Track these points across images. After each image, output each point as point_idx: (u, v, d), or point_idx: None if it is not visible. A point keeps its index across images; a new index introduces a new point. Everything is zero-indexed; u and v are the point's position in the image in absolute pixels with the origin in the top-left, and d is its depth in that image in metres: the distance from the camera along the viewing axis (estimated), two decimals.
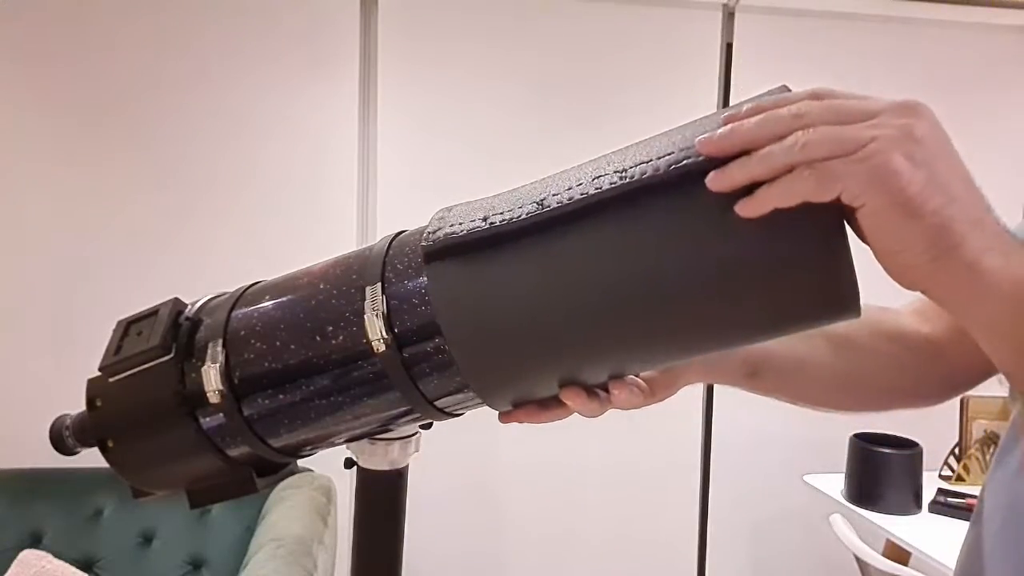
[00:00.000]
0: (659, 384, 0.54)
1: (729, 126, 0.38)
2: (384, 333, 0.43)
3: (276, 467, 0.53)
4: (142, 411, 0.48)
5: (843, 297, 0.37)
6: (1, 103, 2.00)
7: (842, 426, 1.93)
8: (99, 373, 0.49)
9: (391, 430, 0.52)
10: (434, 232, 0.43)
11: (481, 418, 0.58)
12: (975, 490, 0.63)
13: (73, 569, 1.47)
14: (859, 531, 1.76)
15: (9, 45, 2.00)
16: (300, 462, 0.55)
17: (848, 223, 0.37)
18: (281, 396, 0.46)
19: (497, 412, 0.49)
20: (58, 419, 0.52)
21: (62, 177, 2.03)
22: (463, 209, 0.44)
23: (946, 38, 2.28)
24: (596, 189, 0.39)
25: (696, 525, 2.33)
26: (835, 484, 1.97)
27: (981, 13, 2.25)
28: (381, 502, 0.57)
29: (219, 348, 0.47)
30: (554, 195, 0.40)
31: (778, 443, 2.28)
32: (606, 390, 0.49)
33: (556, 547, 2.26)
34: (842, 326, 0.58)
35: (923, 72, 2.26)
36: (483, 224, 0.41)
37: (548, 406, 0.48)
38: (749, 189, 0.36)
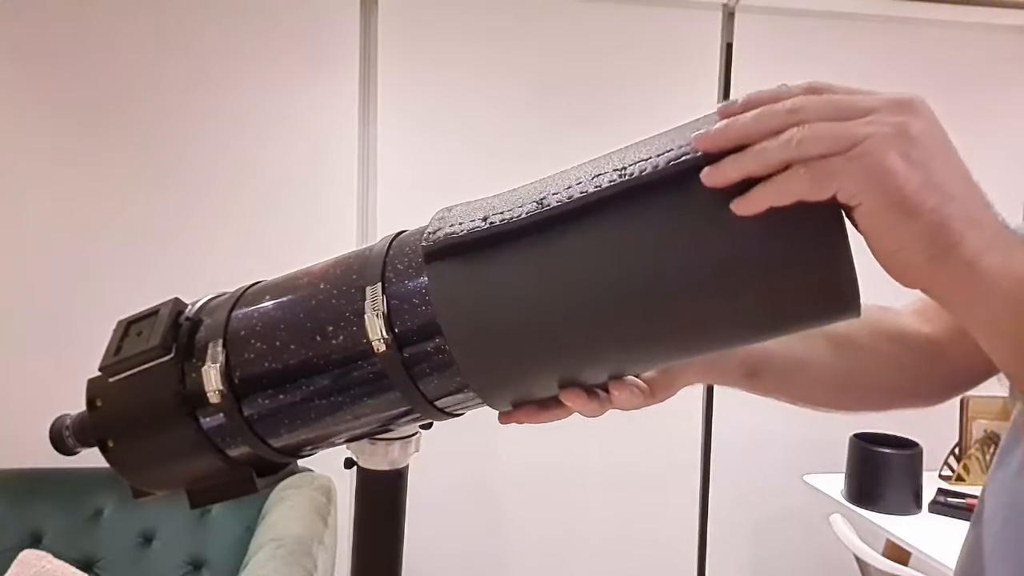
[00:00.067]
0: (658, 385, 0.54)
1: (724, 122, 0.37)
2: (384, 333, 0.43)
3: (276, 467, 0.53)
4: (142, 411, 0.48)
5: (843, 296, 0.37)
6: (1, 103, 2.00)
7: (842, 426, 1.93)
8: (99, 373, 0.49)
9: (391, 430, 0.52)
10: (434, 232, 0.43)
11: (481, 418, 0.58)
12: (975, 490, 0.63)
13: (73, 569, 1.47)
14: (859, 531, 1.76)
15: (9, 45, 1.99)
16: (300, 462, 0.55)
17: (848, 219, 0.37)
18: (281, 396, 0.46)
19: (497, 412, 0.49)
20: (58, 419, 0.52)
21: (62, 177, 2.03)
22: (463, 209, 0.44)
23: (946, 38, 2.28)
24: (596, 187, 0.39)
25: (696, 525, 2.33)
26: (835, 484, 1.97)
27: (981, 13, 2.25)
28: (381, 502, 0.57)
29: (219, 348, 0.47)
30: (554, 194, 0.40)
31: (778, 443, 2.28)
32: (606, 390, 0.49)
33: (556, 547, 2.26)
34: (842, 326, 0.58)
35: (923, 72, 2.26)
36: (483, 224, 0.41)
37: (548, 406, 0.48)
38: (745, 186, 0.36)
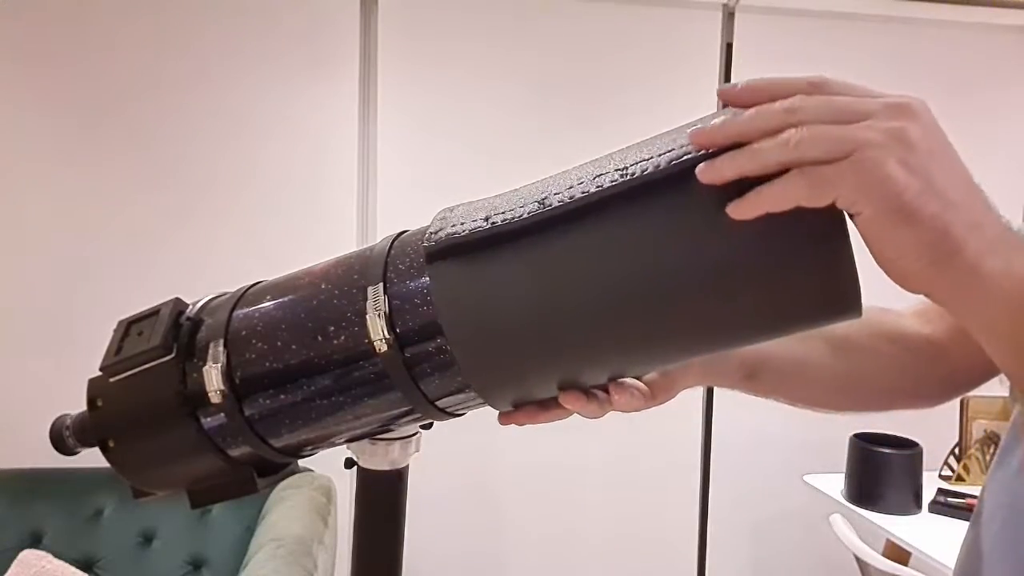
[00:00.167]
0: (659, 387, 0.54)
1: (721, 119, 0.37)
2: (386, 333, 0.43)
3: (277, 467, 0.53)
4: (143, 411, 0.48)
5: (845, 297, 0.37)
6: (1, 103, 2.00)
7: (842, 426, 1.93)
8: (100, 373, 0.49)
9: (392, 430, 0.52)
10: (436, 232, 0.43)
11: (481, 418, 0.58)
12: (975, 490, 0.63)
13: (73, 569, 1.47)
14: (859, 531, 1.76)
15: (9, 45, 1.99)
16: (300, 462, 0.55)
17: (850, 220, 0.37)
18: (282, 396, 0.46)
19: (497, 412, 0.49)
20: (58, 419, 0.52)
21: (62, 177, 2.03)
22: (465, 209, 0.44)
23: (946, 38, 2.28)
24: (597, 187, 0.39)
25: (696, 525, 2.33)
26: (835, 484, 1.97)
27: (981, 13, 2.25)
28: (381, 502, 0.57)
29: (220, 348, 0.47)
30: (555, 194, 0.40)
31: (778, 443, 2.28)
32: (606, 392, 0.49)
33: (556, 547, 2.26)
34: (842, 327, 0.58)
35: (923, 72, 2.26)
36: (485, 224, 0.41)
37: (548, 407, 0.48)
38: (744, 187, 0.36)
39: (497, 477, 2.23)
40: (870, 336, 0.63)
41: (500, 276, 0.41)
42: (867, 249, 0.37)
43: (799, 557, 2.36)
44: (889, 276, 0.38)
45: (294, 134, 2.09)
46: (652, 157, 0.39)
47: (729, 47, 2.23)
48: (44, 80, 2.01)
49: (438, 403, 0.46)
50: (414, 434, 0.55)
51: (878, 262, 0.37)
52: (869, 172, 0.34)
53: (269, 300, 0.48)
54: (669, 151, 0.38)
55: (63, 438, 0.52)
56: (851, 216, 0.36)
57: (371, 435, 0.52)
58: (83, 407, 0.50)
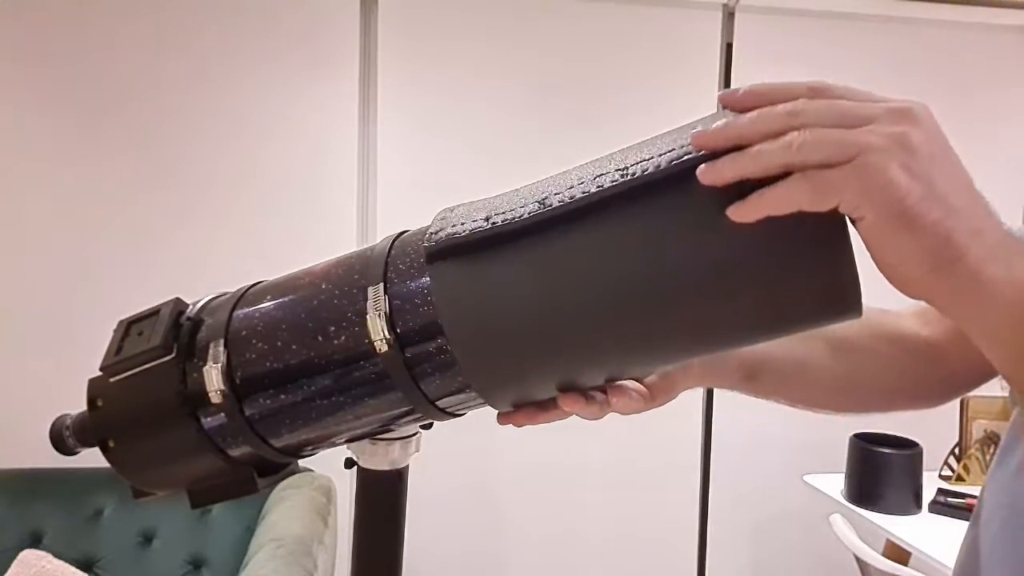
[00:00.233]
0: (659, 388, 0.54)
1: (723, 121, 0.37)
2: (386, 333, 0.43)
3: (277, 467, 0.53)
4: (143, 411, 0.48)
5: (845, 297, 0.37)
6: (1, 103, 2.00)
7: (842, 426, 1.93)
8: (100, 373, 0.49)
9: (392, 430, 0.52)
10: (436, 232, 0.43)
11: (481, 418, 0.58)
12: (975, 490, 0.63)
13: (73, 569, 1.47)
14: (859, 531, 1.76)
15: (9, 45, 1.99)
16: (300, 462, 0.55)
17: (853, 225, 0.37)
18: (283, 396, 0.46)
19: (497, 412, 0.49)
20: (58, 419, 0.52)
21: (62, 177, 2.03)
22: (465, 209, 0.44)
23: (946, 38, 2.28)
24: (598, 187, 0.39)
25: (696, 525, 2.33)
26: (835, 484, 1.97)
27: (981, 13, 2.25)
28: (381, 502, 0.57)
29: (221, 348, 0.47)
30: (556, 194, 0.40)
31: (778, 443, 2.28)
32: (606, 392, 0.49)
33: (556, 547, 2.26)
34: (841, 328, 0.58)
35: (923, 72, 2.26)
36: (485, 224, 0.41)
37: (547, 408, 0.48)
38: (745, 189, 0.36)
39: (497, 477, 2.23)
40: (870, 337, 0.63)
41: (501, 276, 0.41)
42: (867, 252, 0.37)
43: (799, 557, 2.36)
44: (890, 281, 0.38)
45: (294, 134, 2.09)
46: (652, 157, 0.39)
47: (729, 47, 2.23)
48: (44, 80, 2.01)
49: (438, 403, 0.46)
50: (414, 434, 0.55)
51: (879, 267, 0.37)
52: (872, 177, 0.34)
53: (269, 300, 0.48)
54: (669, 151, 0.38)
55: (63, 438, 0.52)
56: (853, 220, 0.36)
57: (371, 435, 0.52)
58: (83, 407, 0.50)
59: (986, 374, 0.60)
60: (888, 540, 1.83)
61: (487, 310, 0.41)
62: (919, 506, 1.84)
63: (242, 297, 0.50)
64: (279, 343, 0.46)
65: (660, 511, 2.30)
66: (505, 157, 2.12)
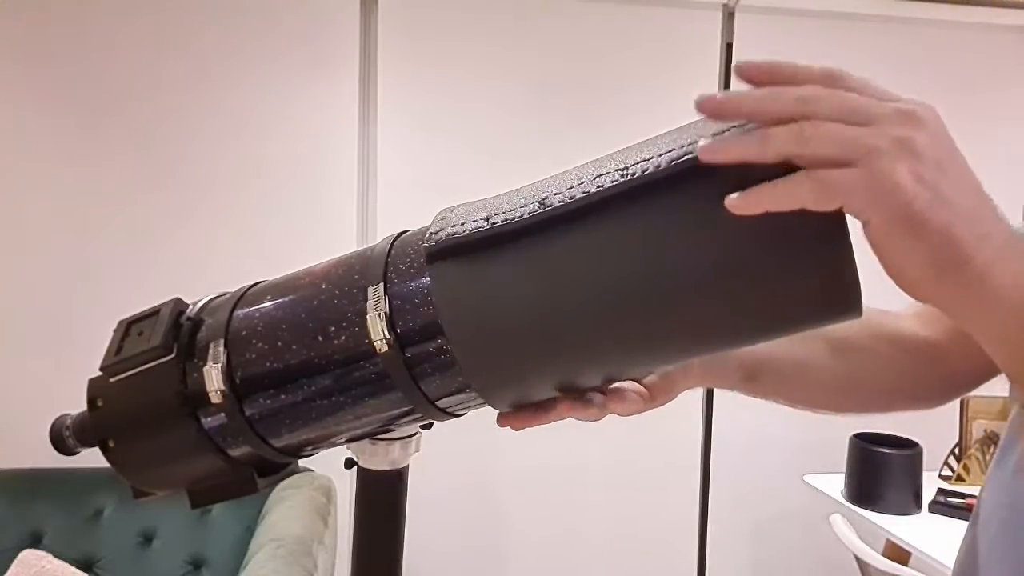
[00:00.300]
0: (658, 389, 0.54)
1: (731, 92, 0.37)
2: (387, 333, 0.43)
3: (277, 467, 0.53)
4: (143, 411, 0.48)
5: (845, 297, 0.37)
6: (1, 103, 2.00)
7: (842, 426, 1.93)
8: (100, 373, 0.49)
9: (392, 430, 0.52)
10: (436, 232, 0.43)
11: (482, 418, 0.58)
12: (975, 490, 0.63)
13: (73, 569, 1.47)
14: (859, 531, 1.76)
15: (9, 45, 1.99)
16: (300, 462, 0.55)
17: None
18: (283, 396, 0.46)
19: (497, 412, 0.49)
20: (58, 419, 0.52)
21: (62, 177, 2.03)
22: (465, 209, 0.44)
23: (946, 38, 2.28)
24: (598, 187, 0.39)
25: (696, 525, 2.33)
26: (835, 484, 1.97)
27: (981, 13, 2.25)
28: (381, 502, 0.57)
29: (221, 348, 0.47)
30: (556, 194, 0.40)
31: (778, 443, 2.28)
32: (605, 393, 0.49)
33: (556, 547, 2.26)
34: (841, 328, 0.58)
35: (923, 72, 2.26)
36: (485, 224, 0.41)
37: (545, 409, 0.48)
38: (743, 186, 0.36)
39: (497, 477, 2.23)
40: (869, 338, 0.63)
41: (501, 276, 0.41)
42: (867, 246, 0.37)
43: (799, 557, 2.36)
44: (897, 284, 0.38)
45: (294, 134, 2.09)
46: (653, 157, 0.38)
47: (729, 47, 2.23)
48: (44, 80, 2.01)
49: (438, 403, 0.46)
50: (414, 434, 0.55)
51: (886, 270, 0.37)
52: (879, 181, 0.34)
53: (269, 300, 0.48)
54: (670, 151, 0.38)
55: (63, 438, 0.52)
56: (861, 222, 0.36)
57: (371, 435, 0.52)
58: (83, 407, 0.50)
59: (986, 374, 0.60)
60: (888, 540, 1.83)
61: (487, 310, 0.41)
62: (919, 506, 1.84)
63: (242, 297, 0.50)
64: (279, 343, 0.46)
65: (660, 511, 2.30)
66: (505, 157, 2.12)
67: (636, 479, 2.27)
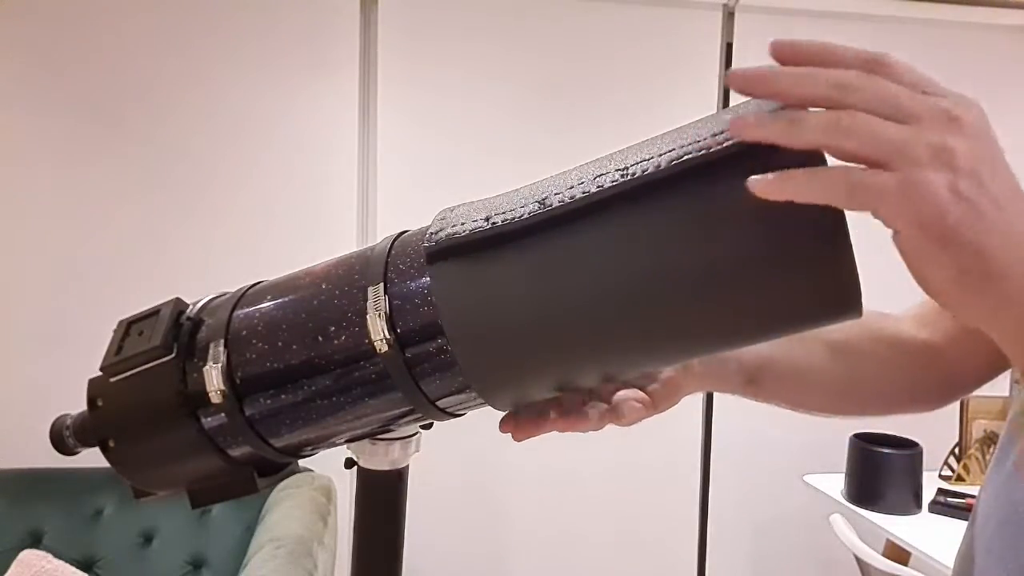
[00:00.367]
0: (660, 395, 0.55)
1: (763, 69, 0.35)
2: (387, 333, 0.43)
3: (277, 467, 0.53)
4: (143, 411, 0.48)
5: (845, 297, 0.37)
6: (1, 103, 2.00)
7: (842, 427, 1.93)
8: (100, 373, 0.49)
9: (392, 430, 0.52)
10: (436, 232, 0.43)
11: (482, 418, 0.58)
12: (975, 490, 0.64)
13: (73, 569, 1.47)
14: (859, 531, 1.76)
15: (9, 45, 1.99)
16: (300, 462, 0.55)
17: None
18: (283, 396, 0.46)
19: (498, 414, 0.49)
20: (58, 419, 0.52)
21: (61, 177, 2.03)
22: (465, 209, 0.44)
23: (946, 38, 2.28)
24: (598, 187, 0.39)
25: (696, 525, 2.33)
26: (835, 484, 1.97)
27: (981, 13, 2.25)
28: (381, 502, 0.57)
29: (221, 348, 0.47)
30: (556, 194, 0.40)
31: (778, 443, 2.28)
32: (605, 401, 0.49)
33: (556, 547, 2.26)
34: (841, 331, 0.58)
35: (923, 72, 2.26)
36: (485, 224, 0.41)
37: (545, 419, 0.49)
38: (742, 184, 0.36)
39: (497, 477, 2.23)
40: (869, 340, 0.63)
41: (501, 276, 0.41)
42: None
43: (799, 557, 2.36)
44: (924, 291, 0.37)
45: (294, 134, 2.09)
46: (652, 157, 0.39)
47: (729, 47, 2.23)
48: (44, 80, 2.01)
49: (439, 403, 0.46)
50: (414, 434, 0.55)
51: (913, 277, 0.36)
52: (913, 192, 0.33)
53: (269, 300, 0.48)
54: (670, 151, 0.38)
55: (63, 438, 0.52)
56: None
57: (371, 435, 0.52)
58: (83, 407, 0.50)
59: (985, 376, 0.61)
60: (888, 540, 1.83)
61: (487, 310, 0.42)
62: (919, 506, 1.84)
63: (242, 297, 0.50)
64: (279, 343, 0.46)
65: (660, 511, 2.30)
66: (505, 157, 2.12)
67: (636, 479, 2.27)
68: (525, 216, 0.40)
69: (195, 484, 0.50)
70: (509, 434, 0.50)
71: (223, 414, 0.47)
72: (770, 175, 0.34)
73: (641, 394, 0.53)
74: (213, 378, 0.46)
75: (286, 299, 0.48)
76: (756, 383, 0.60)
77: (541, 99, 2.18)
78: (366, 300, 0.44)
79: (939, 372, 0.62)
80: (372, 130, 2.13)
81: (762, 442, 2.29)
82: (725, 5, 2.21)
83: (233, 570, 1.72)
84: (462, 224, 0.43)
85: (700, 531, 2.34)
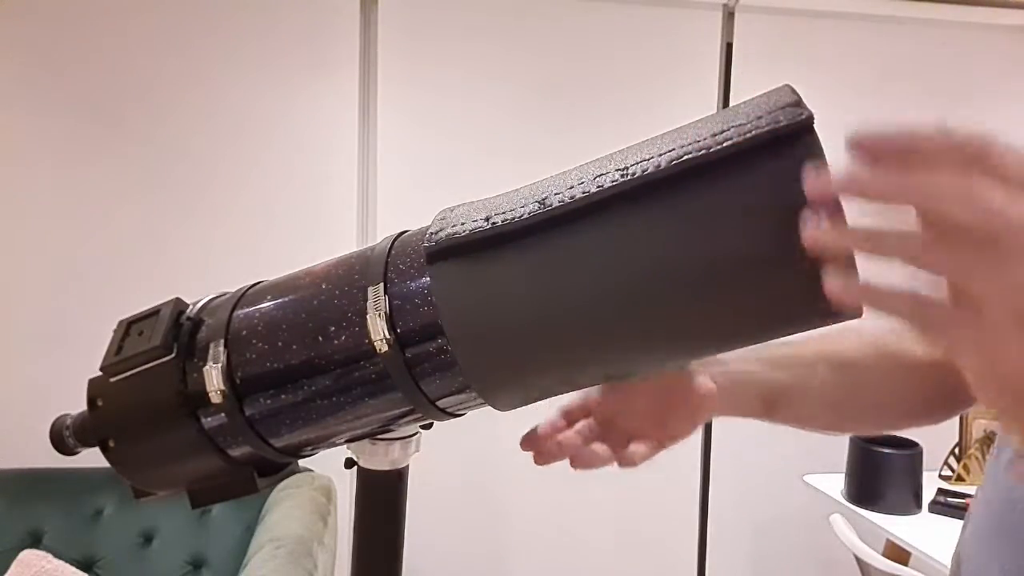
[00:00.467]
0: (678, 421, 0.58)
1: (855, 171, 0.32)
2: (387, 333, 0.43)
3: (277, 467, 0.53)
4: (143, 411, 0.48)
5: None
6: (1, 103, 2.00)
7: None
8: (100, 373, 0.49)
9: (392, 430, 0.52)
10: (436, 232, 0.43)
11: (482, 418, 0.58)
12: (975, 490, 0.64)
13: (73, 569, 1.47)
14: (859, 531, 1.76)
15: (9, 45, 1.99)
16: (300, 462, 0.55)
17: None
18: (283, 396, 0.46)
19: (496, 412, 0.49)
20: (58, 419, 0.52)
21: (61, 177, 2.03)
22: (465, 209, 0.44)
23: (946, 38, 2.28)
24: (598, 187, 0.39)
25: (696, 525, 2.33)
26: (835, 484, 1.97)
27: (981, 13, 2.25)
28: (381, 502, 0.57)
29: (221, 348, 0.47)
30: (556, 194, 0.40)
31: (778, 443, 2.28)
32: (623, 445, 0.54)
33: (556, 547, 2.26)
34: (849, 351, 0.59)
35: (923, 72, 2.26)
36: (485, 224, 0.41)
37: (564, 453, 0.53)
38: (745, 186, 0.35)
39: (497, 477, 2.23)
40: (875, 357, 0.64)
41: (501, 276, 0.41)
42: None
43: (799, 557, 2.36)
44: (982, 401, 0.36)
45: (294, 134, 2.09)
46: (652, 157, 0.39)
47: (729, 47, 2.23)
48: (44, 80, 2.01)
49: (439, 403, 0.46)
50: (414, 434, 0.55)
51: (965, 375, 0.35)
52: (985, 351, 0.32)
53: (269, 300, 0.48)
54: (670, 151, 0.38)
55: (63, 438, 0.52)
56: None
57: (371, 435, 0.52)
58: (83, 407, 0.50)
59: None
60: (888, 540, 1.83)
61: (487, 310, 0.42)
62: (919, 506, 1.84)
63: (242, 297, 0.50)
64: (279, 343, 0.46)
65: (660, 511, 2.30)
66: (505, 157, 2.12)
67: (636, 479, 2.26)
68: (525, 216, 0.40)
69: (195, 484, 0.50)
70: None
71: (223, 414, 0.47)
72: (842, 280, 0.33)
73: (650, 440, 0.59)
74: (213, 378, 0.46)
75: (286, 299, 0.48)
76: (775, 410, 0.62)
77: (541, 99, 2.18)
78: (366, 300, 0.44)
79: (944, 387, 0.63)
80: (372, 130, 2.13)
81: (762, 442, 2.29)
82: (725, 5, 2.21)
83: (233, 570, 1.72)
84: (462, 224, 0.43)
85: (700, 531, 2.34)
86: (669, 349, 0.42)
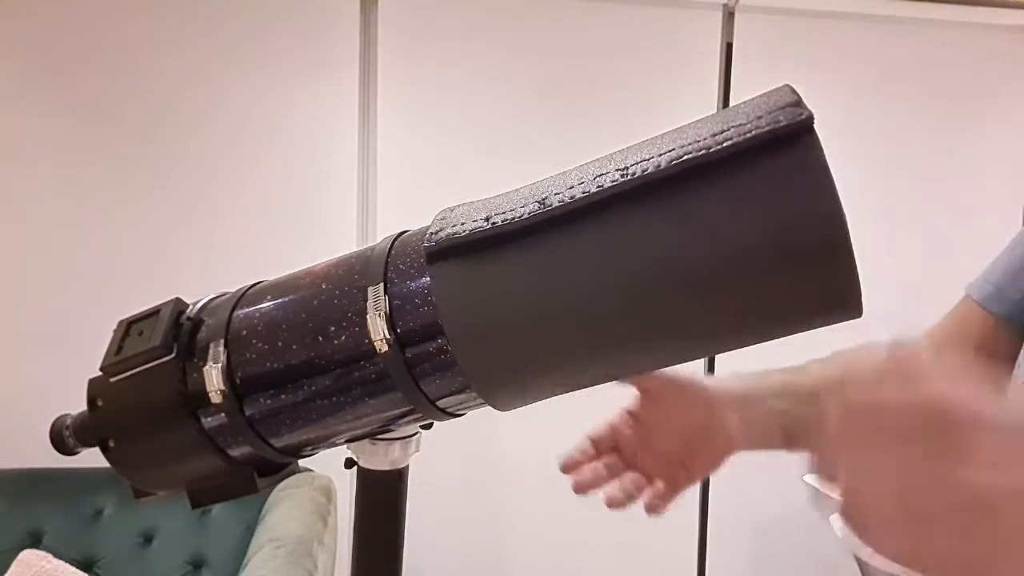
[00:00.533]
0: (700, 461, 0.62)
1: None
2: (387, 333, 0.43)
3: (277, 467, 0.53)
4: (143, 411, 0.48)
5: (845, 297, 0.37)
6: (1, 103, 2.00)
7: None
8: (100, 373, 0.49)
9: (392, 430, 0.52)
10: (436, 232, 0.43)
11: (482, 418, 0.58)
12: None
13: (73, 569, 1.47)
14: None
15: (9, 45, 1.99)
16: (300, 462, 0.55)
17: None
18: (283, 396, 0.46)
19: (496, 412, 0.49)
20: (58, 419, 0.52)
21: (61, 177, 2.03)
22: (465, 209, 0.44)
23: (946, 38, 2.28)
24: (598, 187, 0.39)
25: (696, 525, 2.33)
26: None
27: (981, 13, 2.25)
28: (381, 502, 0.57)
29: (221, 348, 0.47)
30: (556, 194, 0.40)
31: None
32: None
33: (556, 547, 2.26)
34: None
35: (923, 72, 2.26)
36: (485, 224, 0.41)
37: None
38: (744, 185, 0.36)
39: (498, 477, 2.23)
40: None
41: (501, 276, 0.41)
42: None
43: (799, 557, 2.36)
44: None
45: (294, 134, 2.09)
46: (652, 157, 0.39)
47: (729, 47, 2.23)
48: (44, 80, 2.01)
49: (439, 403, 0.46)
50: (414, 434, 0.55)
51: None
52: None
53: (270, 300, 0.48)
54: (670, 151, 0.38)
55: (63, 438, 0.52)
56: None
57: (371, 435, 0.52)
58: (83, 407, 0.50)
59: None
60: None
61: (487, 310, 0.41)
62: None
63: (242, 297, 0.50)
64: (279, 343, 0.46)
65: None
66: (505, 157, 2.12)
67: None
68: (525, 216, 0.40)
69: (195, 484, 0.50)
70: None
71: (223, 414, 0.47)
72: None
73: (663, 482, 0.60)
74: (213, 378, 0.46)
75: (286, 299, 0.48)
76: (795, 441, 0.66)
77: (541, 99, 2.18)
78: (366, 300, 0.44)
79: None
80: (372, 130, 2.13)
81: None
82: (725, 5, 2.21)
83: (233, 570, 1.72)
84: (462, 224, 0.43)
85: (700, 531, 2.34)
86: (668, 349, 0.42)
